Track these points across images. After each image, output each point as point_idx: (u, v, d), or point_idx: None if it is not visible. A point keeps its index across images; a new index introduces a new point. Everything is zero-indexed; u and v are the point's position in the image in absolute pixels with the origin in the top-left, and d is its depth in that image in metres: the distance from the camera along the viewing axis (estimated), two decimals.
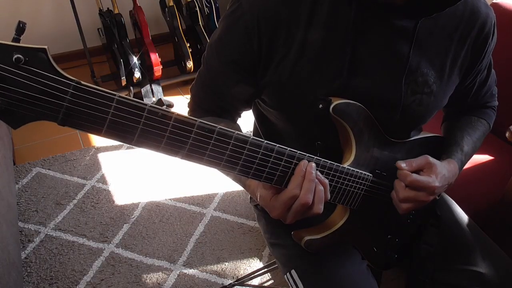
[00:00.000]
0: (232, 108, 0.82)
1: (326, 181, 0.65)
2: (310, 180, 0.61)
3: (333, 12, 0.70)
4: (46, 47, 0.44)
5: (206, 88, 0.81)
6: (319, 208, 0.63)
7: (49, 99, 0.44)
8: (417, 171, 0.76)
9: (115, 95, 0.47)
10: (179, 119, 0.50)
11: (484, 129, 0.93)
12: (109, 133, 0.48)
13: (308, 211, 0.63)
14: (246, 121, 0.83)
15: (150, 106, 0.49)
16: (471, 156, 0.89)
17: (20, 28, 0.44)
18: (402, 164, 0.76)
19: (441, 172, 0.76)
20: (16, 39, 0.43)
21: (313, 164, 0.63)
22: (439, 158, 0.85)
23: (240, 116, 0.86)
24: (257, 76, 0.75)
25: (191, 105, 0.86)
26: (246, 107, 0.83)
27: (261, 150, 0.59)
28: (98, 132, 0.48)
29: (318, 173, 0.64)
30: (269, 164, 0.61)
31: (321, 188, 0.63)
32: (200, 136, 0.53)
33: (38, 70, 0.43)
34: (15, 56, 0.42)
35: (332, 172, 0.69)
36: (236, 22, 0.71)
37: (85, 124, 0.47)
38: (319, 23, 0.70)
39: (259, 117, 0.90)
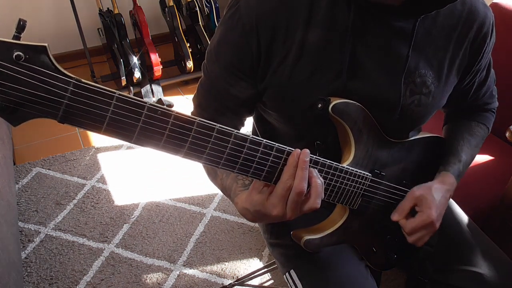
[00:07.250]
0: (235, 114, 0.81)
1: (321, 179, 0.63)
2: (303, 169, 0.59)
3: (331, 13, 0.70)
4: (46, 44, 0.44)
5: (208, 95, 0.80)
6: (317, 202, 0.61)
7: (49, 96, 0.44)
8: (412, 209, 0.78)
9: (115, 92, 0.47)
10: (178, 117, 0.50)
11: (483, 134, 0.93)
12: (109, 130, 0.48)
13: (305, 204, 0.61)
14: (245, 121, 0.83)
15: (150, 104, 0.49)
16: (470, 164, 0.90)
17: (21, 26, 0.44)
18: (395, 216, 0.78)
19: (433, 199, 0.77)
20: (17, 37, 0.44)
21: (307, 151, 0.60)
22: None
23: (243, 125, 0.84)
24: (257, 79, 0.75)
25: (194, 114, 0.85)
26: (248, 113, 0.83)
27: (261, 148, 0.59)
28: (98, 129, 0.48)
29: (315, 170, 0.62)
30: (269, 163, 0.61)
31: (319, 181, 0.61)
32: (200, 134, 0.53)
33: (38, 67, 0.43)
34: (15, 53, 0.42)
35: (331, 171, 0.69)
36: (234, 26, 0.71)
37: (85, 121, 0.47)
38: (318, 25, 0.70)
39: (258, 118, 0.90)
